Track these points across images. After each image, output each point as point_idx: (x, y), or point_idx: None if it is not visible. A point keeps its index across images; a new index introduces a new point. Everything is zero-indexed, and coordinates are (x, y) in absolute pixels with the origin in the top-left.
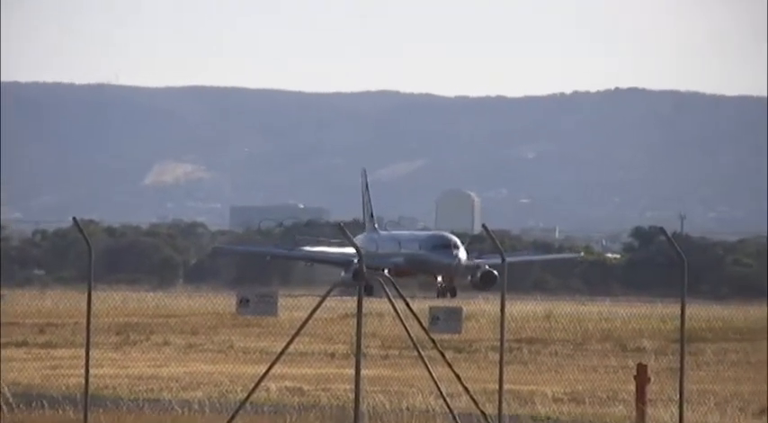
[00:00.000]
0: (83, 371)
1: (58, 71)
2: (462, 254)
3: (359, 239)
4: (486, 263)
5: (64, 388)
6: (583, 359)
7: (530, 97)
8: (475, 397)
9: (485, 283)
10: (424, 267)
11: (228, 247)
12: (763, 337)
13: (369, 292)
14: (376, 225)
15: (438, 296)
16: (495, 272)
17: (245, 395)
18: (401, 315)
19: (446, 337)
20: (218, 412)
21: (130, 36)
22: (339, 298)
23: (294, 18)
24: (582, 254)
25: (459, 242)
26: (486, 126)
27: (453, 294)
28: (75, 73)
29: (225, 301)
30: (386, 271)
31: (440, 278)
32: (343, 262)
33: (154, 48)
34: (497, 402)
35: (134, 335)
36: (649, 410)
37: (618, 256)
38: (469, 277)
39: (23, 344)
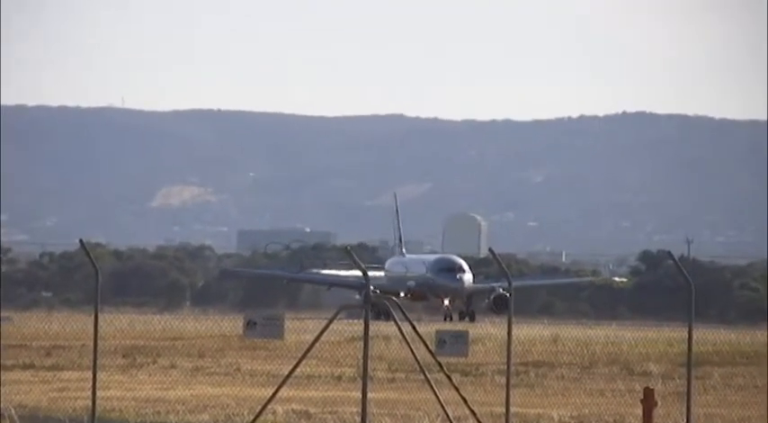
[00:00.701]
0: (90, 393)
1: (64, 94)
2: (468, 277)
3: (389, 263)
4: (500, 286)
5: (71, 410)
6: (590, 383)
7: (537, 121)
8: (482, 420)
9: (498, 306)
10: (430, 291)
11: (235, 270)
12: None
13: (386, 316)
14: (403, 249)
15: (444, 320)
16: (509, 295)
17: (252, 418)
18: (408, 338)
19: (453, 360)
20: None
21: (136, 60)
22: (347, 321)
23: (301, 41)
24: (589, 277)
25: (464, 265)
26: (492, 150)
27: (472, 319)
28: (81, 96)
29: (232, 324)
30: (402, 294)
31: (446, 302)
32: (358, 285)
33: (160, 71)
34: None
35: (141, 357)
36: None
37: (625, 279)
38: (486, 300)
39: (30, 366)
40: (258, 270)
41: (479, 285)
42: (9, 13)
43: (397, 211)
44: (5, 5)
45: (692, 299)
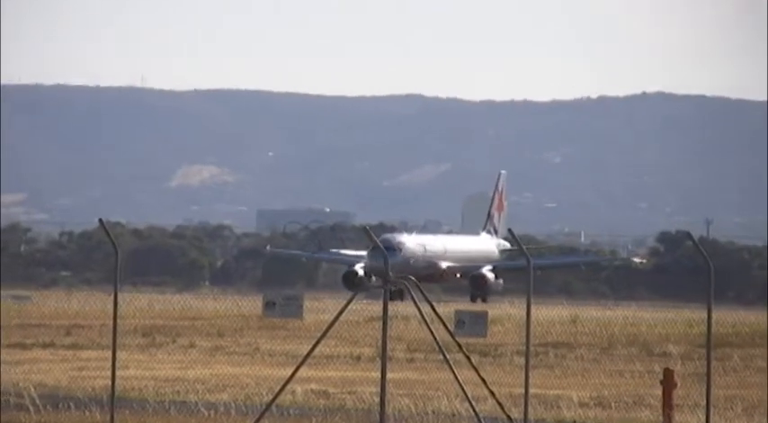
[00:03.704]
0: (109, 372)
1: (84, 74)
2: (400, 255)
3: None
4: (480, 266)
5: (90, 389)
6: (609, 364)
7: (556, 102)
8: (501, 401)
9: (475, 286)
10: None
11: (279, 251)
12: None
13: (401, 296)
14: (488, 228)
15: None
16: (490, 275)
17: (271, 398)
18: (427, 318)
19: (471, 340)
20: (244, 415)
21: (157, 39)
22: (365, 301)
23: (319, 22)
24: (638, 259)
25: (402, 243)
26: (511, 130)
27: (484, 299)
28: (101, 76)
29: (251, 304)
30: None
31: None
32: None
33: (180, 51)
34: (523, 406)
35: (160, 337)
36: (676, 416)
37: (644, 261)
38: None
39: (50, 345)
40: (300, 252)
41: (459, 265)
42: None
43: (495, 189)
44: None
45: (711, 280)
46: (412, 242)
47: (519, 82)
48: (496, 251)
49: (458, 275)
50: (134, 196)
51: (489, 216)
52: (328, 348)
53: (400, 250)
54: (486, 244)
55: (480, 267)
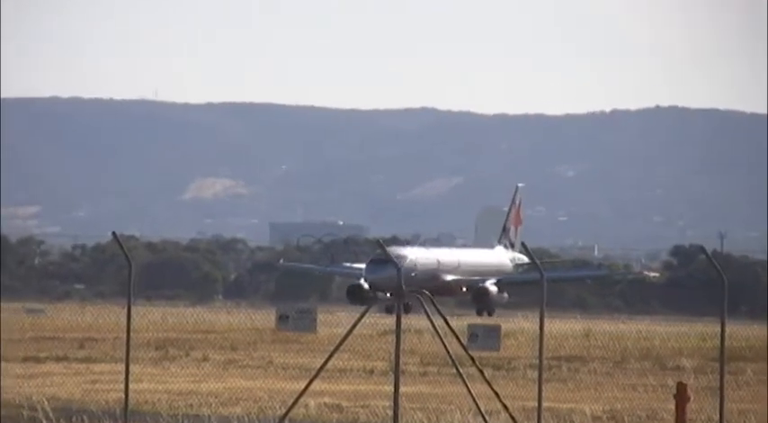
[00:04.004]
0: (122, 386)
1: (97, 87)
2: (392, 270)
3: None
4: (483, 279)
5: (104, 403)
6: (622, 377)
7: (569, 115)
8: (514, 415)
9: (476, 300)
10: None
11: (292, 264)
12: None
13: (406, 309)
14: (504, 242)
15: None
16: (492, 289)
17: (284, 411)
18: (440, 332)
19: (485, 354)
20: None
21: (170, 53)
22: (378, 314)
23: (333, 36)
24: (649, 273)
25: (403, 256)
26: (524, 144)
27: (490, 313)
28: (114, 88)
29: (264, 317)
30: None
31: (387, 294)
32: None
33: (193, 64)
34: (536, 420)
35: (173, 350)
36: None
37: (657, 274)
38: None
39: (63, 358)
40: (313, 266)
41: (464, 278)
42: (41, 6)
43: (513, 201)
44: None
45: (725, 293)
46: (414, 255)
47: (532, 95)
48: (510, 265)
49: (463, 289)
50: (147, 209)
51: (505, 229)
52: (341, 362)
53: (377, 264)
54: (499, 257)
55: (485, 281)
